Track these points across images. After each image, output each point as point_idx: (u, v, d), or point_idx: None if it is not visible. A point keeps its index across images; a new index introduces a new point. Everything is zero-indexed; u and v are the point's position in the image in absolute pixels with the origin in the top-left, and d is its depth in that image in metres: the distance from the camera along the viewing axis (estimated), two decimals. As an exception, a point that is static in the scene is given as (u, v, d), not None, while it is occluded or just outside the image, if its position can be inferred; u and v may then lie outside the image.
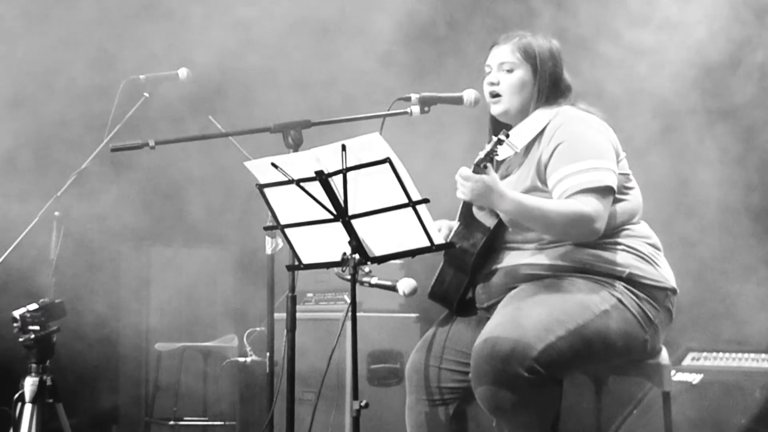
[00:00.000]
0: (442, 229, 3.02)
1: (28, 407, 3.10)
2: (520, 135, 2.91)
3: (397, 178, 2.53)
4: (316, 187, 2.63)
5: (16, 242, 3.41)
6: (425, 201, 2.57)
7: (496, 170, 2.80)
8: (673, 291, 2.89)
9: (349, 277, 2.70)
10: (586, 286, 2.80)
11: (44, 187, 3.59)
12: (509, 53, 2.98)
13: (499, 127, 2.95)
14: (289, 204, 2.71)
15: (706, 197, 4.39)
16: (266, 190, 2.71)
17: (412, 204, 2.56)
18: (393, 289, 2.89)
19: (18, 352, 3.14)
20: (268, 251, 3.44)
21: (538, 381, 2.65)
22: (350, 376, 3.56)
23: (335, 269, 2.80)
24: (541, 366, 2.65)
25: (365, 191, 2.60)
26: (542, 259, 2.85)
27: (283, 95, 4.82)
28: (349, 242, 2.68)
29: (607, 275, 2.82)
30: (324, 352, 3.33)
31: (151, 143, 3.10)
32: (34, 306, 3.12)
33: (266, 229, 2.95)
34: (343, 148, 2.56)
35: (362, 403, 2.63)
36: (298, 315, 3.19)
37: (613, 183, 2.79)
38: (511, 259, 2.90)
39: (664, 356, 2.94)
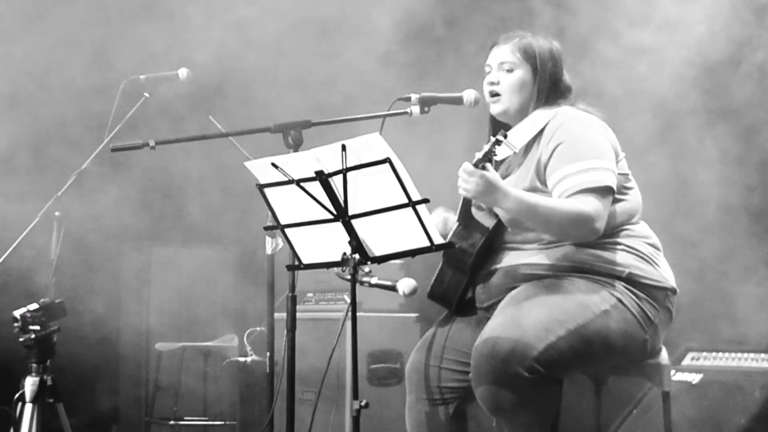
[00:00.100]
0: (438, 217, 3.02)
1: (28, 407, 3.11)
2: (519, 135, 2.92)
3: (397, 178, 2.53)
4: (316, 187, 2.63)
5: (17, 242, 3.42)
6: (425, 201, 2.57)
7: (496, 170, 2.80)
8: (673, 291, 2.89)
9: (349, 277, 2.70)
10: (586, 286, 2.80)
11: (44, 187, 3.59)
12: (509, 53, 2.98)
13: (499, 127, 2.95)
14: (289, 204, 2.71)
15: (706, 197, 4.39)
16: (266, 190, 2.71)
17: (412, 204, 2.56)
18: (393, 289, 2.89)
19: (18, 352, 3.14)
20: (268, 251, 3.44)
21: (538, 381, 2.65)
22: (350, 376, 3.56)
23: (335, 269, 2.80)
24: (541, 366, 2.65)
25: (365, 191, 2.60)
26: (542, 259, 2.85)
27: (283, 95, 4.82)
28: (349, 242, 2.68)
29: (606, 275, 2.82)
30: (324, 352, 3.33)
31: (152, 143, 3.11)
32: (34, 306, 3.12)
33: (266, 229, 2.96)
34: (343, 148, 2.56)
35: (362, 403, 2.63)
36: (298, 315, 3.19)
37: (613, 183, 2.80)
38: (510, 259, 2.91)
39: (664, 356, 2.94)
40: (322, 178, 2.60)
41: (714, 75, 4.41)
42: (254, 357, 5.02)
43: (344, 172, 2.58)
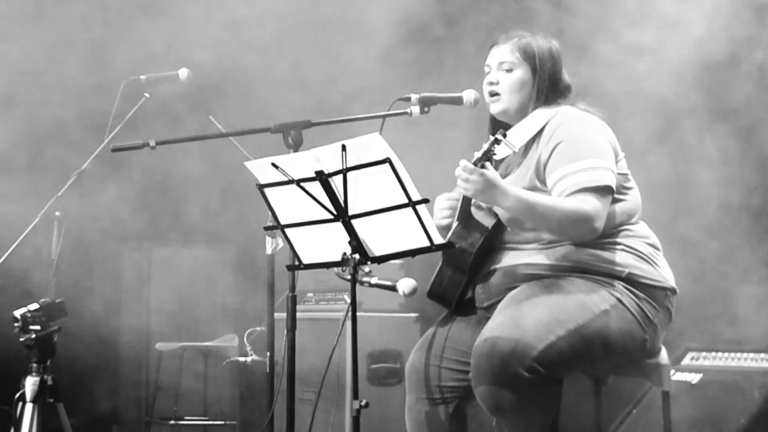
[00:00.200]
0: (443, 212, 3.02)
1: (29, 407, 3.11)
2: (518, 134, 2.92)
3: (397, 178, 2.53)
4: (316, 187, 2.63)
5: (17, 242, 3.42)
6: (425, 201, 2.57)
7: (496, 169, 2.80)
8: (673, 291, 2.89)
9: (349, 277, 2.70)
10: (585, 285, 2.80)
11: (44, 187, 3.60)
12: (509, 53, 2.98)
13: (499, 126, 2.95)
14: (289, 204, 2.71)
15: (706, 197, 4.39)
16: (266, 190, 2.71)
17: (411, 204, 2.56)
18: (393, 289, 2.89)
19: (19, 351, 3.14)
20: (268, 251, 3.44)
21: (538, 381, 2.65)
22: (350, 376, 3.56)
23: (335, 269, 2.80)
24: (541, 366, 2.65)
25: (365, 191, 2.61)
26: (541, 259, 2.85)
27: (283, 95, 4.82)
28: (349, 242, 2.68)
29: (606, 275, 2.82)
30: (324, 352, 3.33)
31: (152, 143, 3.10)
32: (35, 306, 3.12)
33: (266, 229, 2.96)
34: (343, 148, 2.56)
35: (362, 403, 2.63)
36: (298, 315, 3.19)
37: (612, 182, 2.80)
38: (509, 259, 2.91)
39: (664, 356, 2.94)
40: (322, 178, 2.60)
41: (714, 75, 4.41)
42: (254, 357, 5.02)
43: (344, 172, 2.58)
